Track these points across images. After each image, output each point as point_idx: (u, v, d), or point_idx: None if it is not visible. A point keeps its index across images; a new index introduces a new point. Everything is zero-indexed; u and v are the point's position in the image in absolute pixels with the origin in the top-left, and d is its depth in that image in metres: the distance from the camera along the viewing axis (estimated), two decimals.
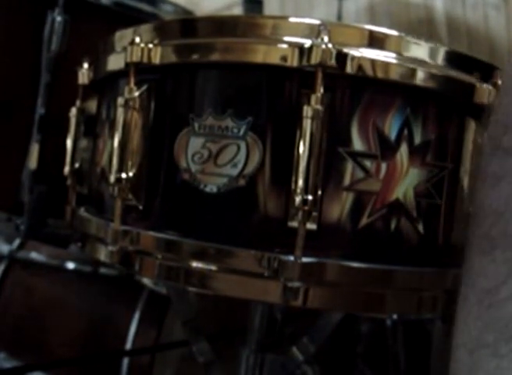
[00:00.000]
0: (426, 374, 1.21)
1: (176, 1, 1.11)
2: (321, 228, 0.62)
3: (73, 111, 0.84)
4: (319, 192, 0.61)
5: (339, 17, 1.28)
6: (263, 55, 0.63)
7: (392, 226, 0.65)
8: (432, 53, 0.66)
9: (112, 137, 0.71)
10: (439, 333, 1.18)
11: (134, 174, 0.68)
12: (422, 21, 1.14)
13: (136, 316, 1.16)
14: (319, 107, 0.60)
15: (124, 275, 1.21)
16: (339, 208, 0.63)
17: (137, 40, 0.68)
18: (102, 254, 0.73)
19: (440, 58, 0.66)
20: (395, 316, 1.18)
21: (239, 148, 0.63)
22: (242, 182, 0.63)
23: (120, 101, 0.68)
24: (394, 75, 0.63)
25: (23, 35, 1.00)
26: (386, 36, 0.65)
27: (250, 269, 0.62)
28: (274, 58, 0.63)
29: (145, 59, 0.67)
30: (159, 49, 0.67)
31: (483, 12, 1.12)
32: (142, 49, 0.67)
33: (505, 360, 0.50)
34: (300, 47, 0.61)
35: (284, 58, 0.62)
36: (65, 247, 1.11)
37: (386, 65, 0.63)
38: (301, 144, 0.61)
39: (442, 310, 0.71)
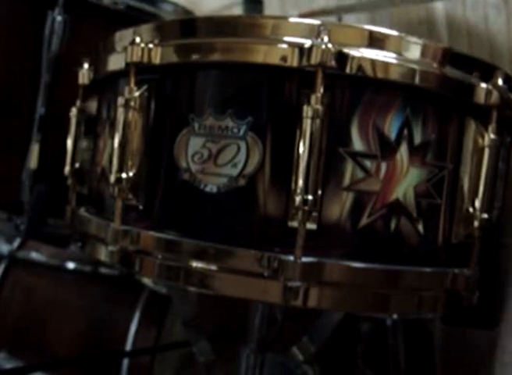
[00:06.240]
0: (426, 374, 1.21)
1: (176, 0, 1.11)
2: (321, 228, 0.62)
3: (74, 111, 0.84)
4: (319, 192, 0.61)
5: (339, 17, 1.28)
6: (263, 55, 0.63)
7: (392, 226, 0.65)
8: (432, 53, 0.66)
9: (112, 137, 0.71)
10: (439, 334, 1.18)
11: (134, 174, 0.68)
12: (422, 21, 1.14)
13: (136, 316, 1.16)
14: (319, 107, 0.60)
15: (124, 275, 1.21)
16: (339, 208, 0.63)
17: (137, 40, 0.68)
18: (102, 254, 0.73)
19: (440, 58, 0.66)
20: (395, 316, 1.18)
21: (239, 148, 0.63)
22: (242, 182, 0.63)
23: (120, 101, 0.68)
24: (394, 75, 0.63)
25: (23, 35, 1.00)
26: (386, 36, 0.64)
27: (250, 269, 0.62)
28: (274, 59, 0.63)
29: (145, 59, 0.67)
30: (159, 49, 0.67)
31: (483, 12, 1.12)
32: (142, 49, 0.67)
33: None
34: (300, 47, 0.61)
35: (284, 59, 0.62)
36: (65, 247, 1.10)
37: (386, 65, 0.63)
38: (301, 144, 0.61)
39: (443, 310, 0.71)
